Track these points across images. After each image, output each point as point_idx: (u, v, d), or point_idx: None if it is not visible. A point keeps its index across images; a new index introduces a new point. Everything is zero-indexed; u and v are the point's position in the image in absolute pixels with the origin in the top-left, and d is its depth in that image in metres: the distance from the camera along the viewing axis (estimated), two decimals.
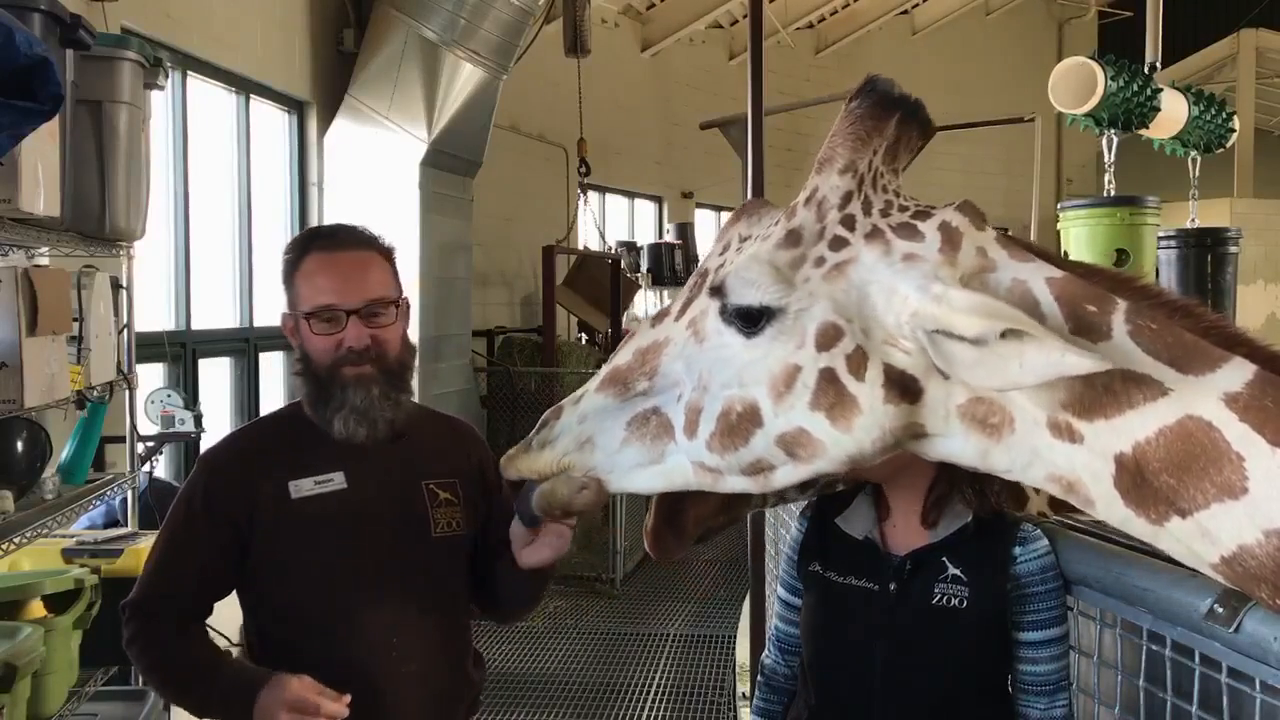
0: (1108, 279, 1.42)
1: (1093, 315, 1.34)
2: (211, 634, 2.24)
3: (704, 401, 1.46)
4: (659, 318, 1.56)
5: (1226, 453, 1.29)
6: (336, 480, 2.07)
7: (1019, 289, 1.37)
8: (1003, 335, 1.28)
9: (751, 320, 1.42)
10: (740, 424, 1.43)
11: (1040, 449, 1.37)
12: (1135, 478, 1.33)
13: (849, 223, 1.43)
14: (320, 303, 2.03)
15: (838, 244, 1.42)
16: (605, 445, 1.53)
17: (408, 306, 2.18)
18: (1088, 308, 1.35)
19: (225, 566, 2.08)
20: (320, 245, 2.10)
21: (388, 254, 2.15)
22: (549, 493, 1.59)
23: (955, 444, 1.42)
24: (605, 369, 1.56)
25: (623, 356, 1.54)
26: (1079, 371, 1.26)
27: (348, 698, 1.87)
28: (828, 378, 1.39)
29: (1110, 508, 1.36)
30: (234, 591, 2.16)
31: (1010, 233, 1.55)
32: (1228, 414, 1.29)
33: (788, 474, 1.45)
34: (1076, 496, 1.39)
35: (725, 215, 14.17)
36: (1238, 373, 1.31)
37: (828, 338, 1.39)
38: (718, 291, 1.45)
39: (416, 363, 2.20)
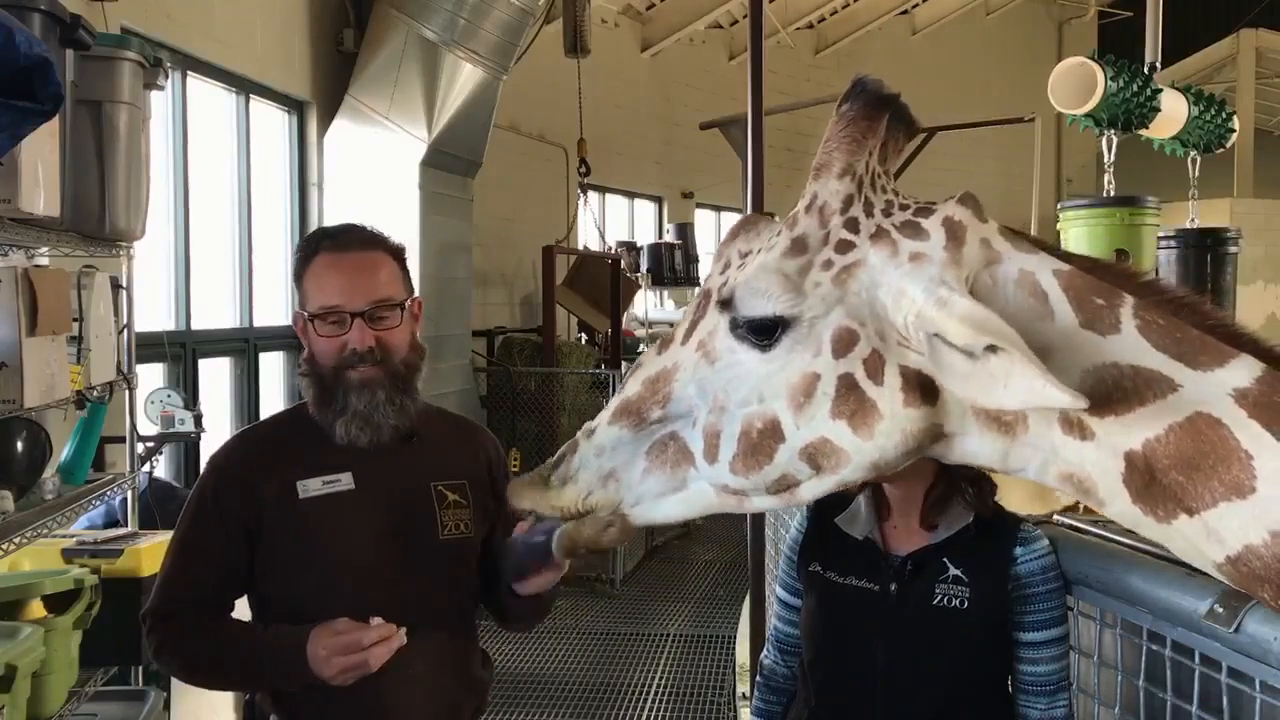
0: (1113, 273, 1.40)
1: (1101, 309, 1.33)
2: None
3: (722, 423, 1.42)
4: (664, 345, 1.52)
5: (1235, 451, 1.27)
6: (344, 481, 2.06)
7: (1027, 280, 1.36)
8: (992, 350, 1.27)
9: (766, 332, 1.39)
10: (762, 441, 1.40)
11: (1055, 446, 1.36)
12: (1145, 476, 1.31)
13: (853, 225, 1.41)
14: (326, 304, 2.04)
15: (844, 247, 1.40)
16: (628, 479, 1.49)
17: (419, 307, 2.17)
18: (1096, 300, 1.33)
19: (239, 566, 2.08)
20: (328, 245, 2.09)
21: (397, 254, 2.15)
22: (573, 534, 1.54)
23: (973, 443, 1.40)
24: (615, 401, 1.52)
25: (632, 387, 1.50)
26: (1056, 405, 1.25)
27: (387, 626, 1.89)
28: (847, 384, 1.36)
29: (1121, 506, 1.35)
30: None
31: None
32: (1237, 411, 1.28)
33: (813, 488, 1.43)
34: (1089, 496, 1.38)
35: (725, 215, 14.26)
36: (1246, 369, 1.29)
37: (843, 343, 1.37)
38: (727, 305, 1.42)
39: None
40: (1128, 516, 1.36)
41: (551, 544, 1.61)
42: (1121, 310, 1.33)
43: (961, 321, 1.29)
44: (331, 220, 6.65)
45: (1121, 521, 1.39)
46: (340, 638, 1.88)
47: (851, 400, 1.36)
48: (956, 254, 1.36)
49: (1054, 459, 1.37)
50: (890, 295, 1.37)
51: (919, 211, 1.42)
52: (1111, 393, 1.31)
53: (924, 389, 1.36)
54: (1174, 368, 1.30)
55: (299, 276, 2.10)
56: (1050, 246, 1.43)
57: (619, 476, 1.50)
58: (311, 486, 2.05)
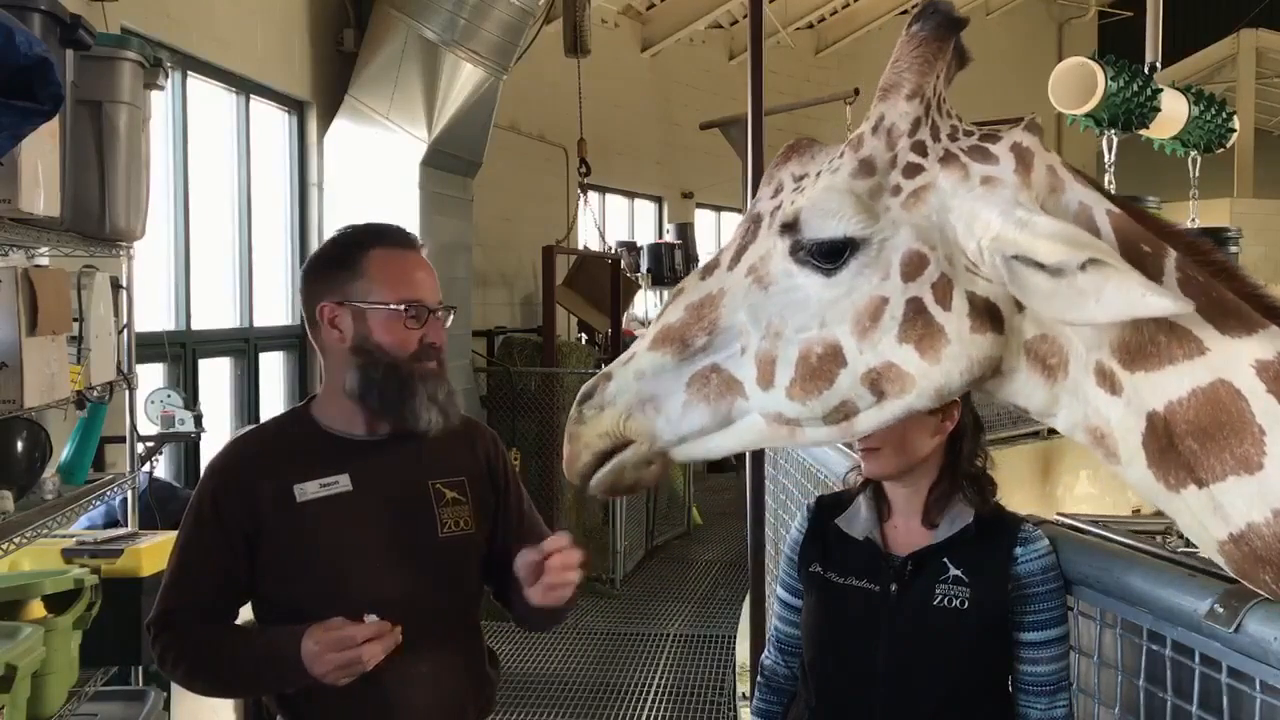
0: (1159, 225, 1.39)
1: (1147, 256, 1.31)
2: None
3: (778, 349, 1.38)
4: (707, 271, 1.48)
5: (1250, 425, 1.26)
6: (341, 482, 2.06)
7: (1085, 213, 1.35)
8: (1083, 267, 1.24)
9: (833, 255, 1.36)
10: (822, 365, 1.36)
11: (1088, 398, 1.35)
12: (1163, 439, 1.30)
13: (920, 149, 1.38)
14: (411, 296, 2.07)
15: (912, 171, 1.38)
16: (667, 409, 1.44)
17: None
18: (1143, 248, 1.32)
19: (240, 572, 2.08)
20: (390, 242, 2.14)
21: None
22: (617, 474, 1.49)
23: (1021, 382, 1.38)
24: (654, 328, 1.47)
25: (673, 313, 1.46)
26: (1157, 313, 1.22)
27: (381, 624, 1.89)
28: (915, 308, 1.34)
29: (1139, 470, 1.34)
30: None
31: None
32: (1257, 383, 1.27)
33: (871, 417, 1.39)
34: (1113, 456, 1.37)
35: (725, 215, 14.22)
36: (1271, 342, 1.28)
37: (913, 267, 1.35)
38: (790, 228, 1.38)
39: None
40: (1144, 482, 1.35)
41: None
42: (1165, 262, 1.32)
43: (1051, 239, 1.27)
44: (332, 220, 6.68)
45: (1138, 488, 1.38)
46: (332, 633, 1.88)
47: (920, 324, 1.34)
48: (1026, 178, 1.35)
49: (1087, 411, 1.36)
50: (962, 219, 1.35)
51: (985, 137, 1.40)
52: (1145, 345, 1.30)
53: (991, 316, 1.35)
54: (1205, 329, 1.29)
55: (350, 267, 2.08)
56: (1102, 187, 1.41)
57: (658, 405, 1.45)
58: (309, 490, 2.05)
